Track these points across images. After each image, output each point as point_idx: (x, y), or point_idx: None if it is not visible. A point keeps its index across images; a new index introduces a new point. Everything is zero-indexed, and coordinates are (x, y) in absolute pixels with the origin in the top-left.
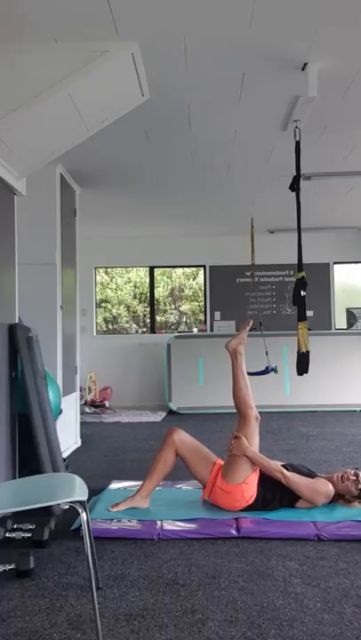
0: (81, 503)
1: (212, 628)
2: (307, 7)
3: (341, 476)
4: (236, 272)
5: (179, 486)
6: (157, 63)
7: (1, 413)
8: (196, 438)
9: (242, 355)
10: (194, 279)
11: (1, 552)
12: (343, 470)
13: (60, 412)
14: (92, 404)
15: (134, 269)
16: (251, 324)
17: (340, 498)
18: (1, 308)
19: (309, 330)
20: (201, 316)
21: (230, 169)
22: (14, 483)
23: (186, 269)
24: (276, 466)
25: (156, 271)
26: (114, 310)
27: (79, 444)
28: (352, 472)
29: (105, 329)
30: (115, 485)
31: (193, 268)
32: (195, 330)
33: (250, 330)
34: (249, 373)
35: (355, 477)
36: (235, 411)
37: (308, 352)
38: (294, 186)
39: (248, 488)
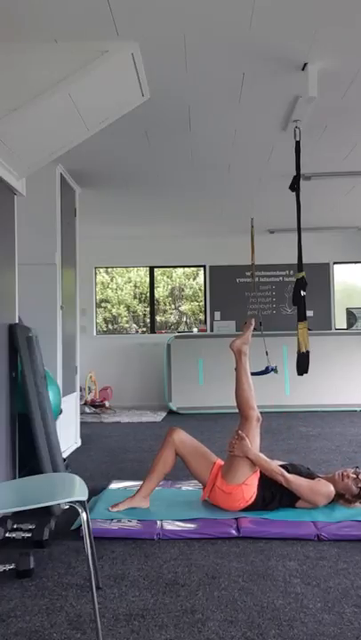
0: (81, 503)
1: (212, 628)
2: (307, 7)
3: (342, 474)
4: (236, 272)
5: (179, 486)
6: (157, 63)
7: (1, 413)
8: (196, 438)
9: (246, 355)
10: (194, 279)
11: (1, 552)
12: (343, 469)
13: (60, 411)
14: (92, 403)
15: (134, 269)
16: (254, 323)
17: (340, 498)
18: (1, 308)
19: (309, 330)
20: (201, 316)
21: (230, 169)
22: (14, 483)
23: (186, 269)
24: (277, 468)
25: (156, 271)
26: (114, 310)
27: (79, 443)
28: (352, 470)
29: (105, 329)
30: (115, 485)
31: (193, 268)
32: (195, 330)
33: None
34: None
35: (355, 476)
36: (235, 411)
37: (308, 352)
38: (294, 186)
39: (248, 489)
